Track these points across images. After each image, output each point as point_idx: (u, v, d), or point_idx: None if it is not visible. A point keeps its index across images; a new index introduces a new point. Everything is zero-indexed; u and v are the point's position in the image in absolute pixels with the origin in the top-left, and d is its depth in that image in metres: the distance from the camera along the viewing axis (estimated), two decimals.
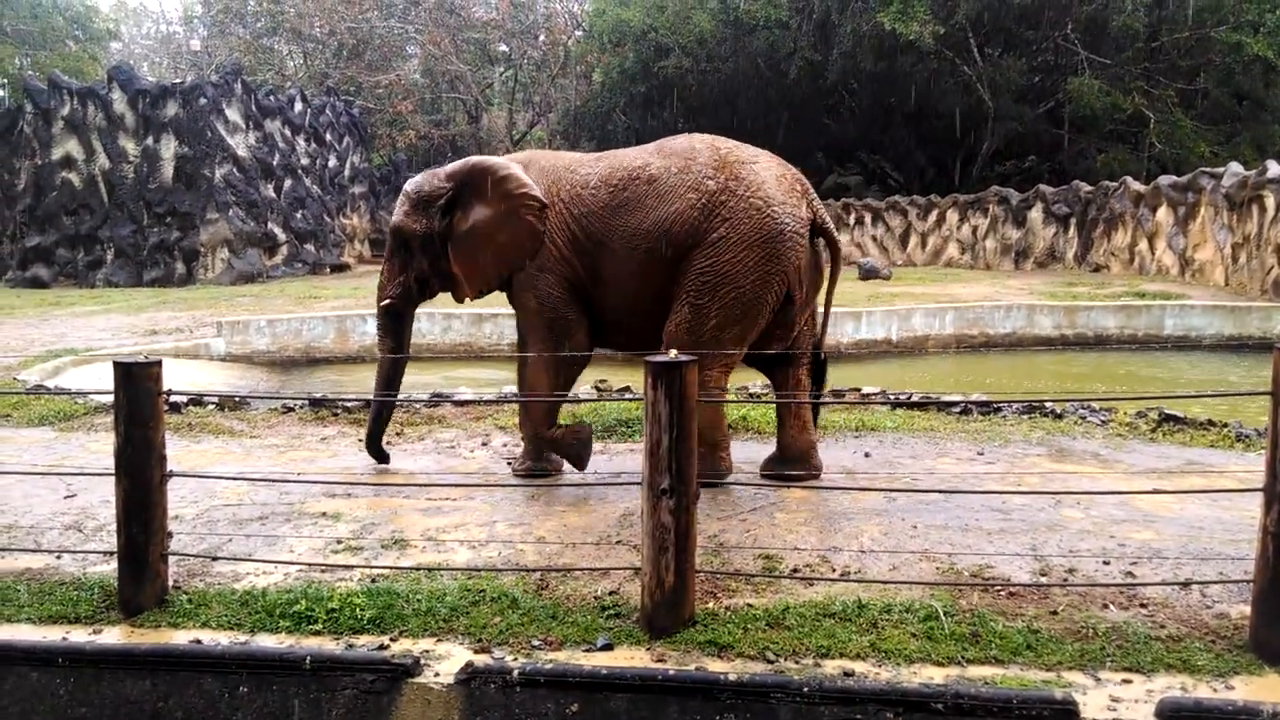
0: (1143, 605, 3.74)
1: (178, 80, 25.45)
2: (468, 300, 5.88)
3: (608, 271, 5.36)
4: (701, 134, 5.63)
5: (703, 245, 5.13)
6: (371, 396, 6.11)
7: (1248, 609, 3.52)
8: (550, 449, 5.65)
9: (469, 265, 5.66)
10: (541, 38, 37.19)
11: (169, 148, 23.02)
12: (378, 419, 6.04)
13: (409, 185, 5.89)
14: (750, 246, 5.09)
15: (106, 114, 23.05)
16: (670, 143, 5.55)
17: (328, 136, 28.48)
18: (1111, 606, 3.73)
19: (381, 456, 6.05)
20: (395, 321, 6.01)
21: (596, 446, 6.52)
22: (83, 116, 23.15)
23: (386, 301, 5.96)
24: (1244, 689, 3.15)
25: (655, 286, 5.26)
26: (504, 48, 38.23)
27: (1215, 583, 3.89)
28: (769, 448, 6.43)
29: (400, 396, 6.66)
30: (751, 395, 8.11)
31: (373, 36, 36.41)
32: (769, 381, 5.99)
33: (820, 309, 5.66)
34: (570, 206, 5.43)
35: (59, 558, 4.41)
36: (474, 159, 5.82)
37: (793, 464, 5.49)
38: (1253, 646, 3.37)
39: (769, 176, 5.24)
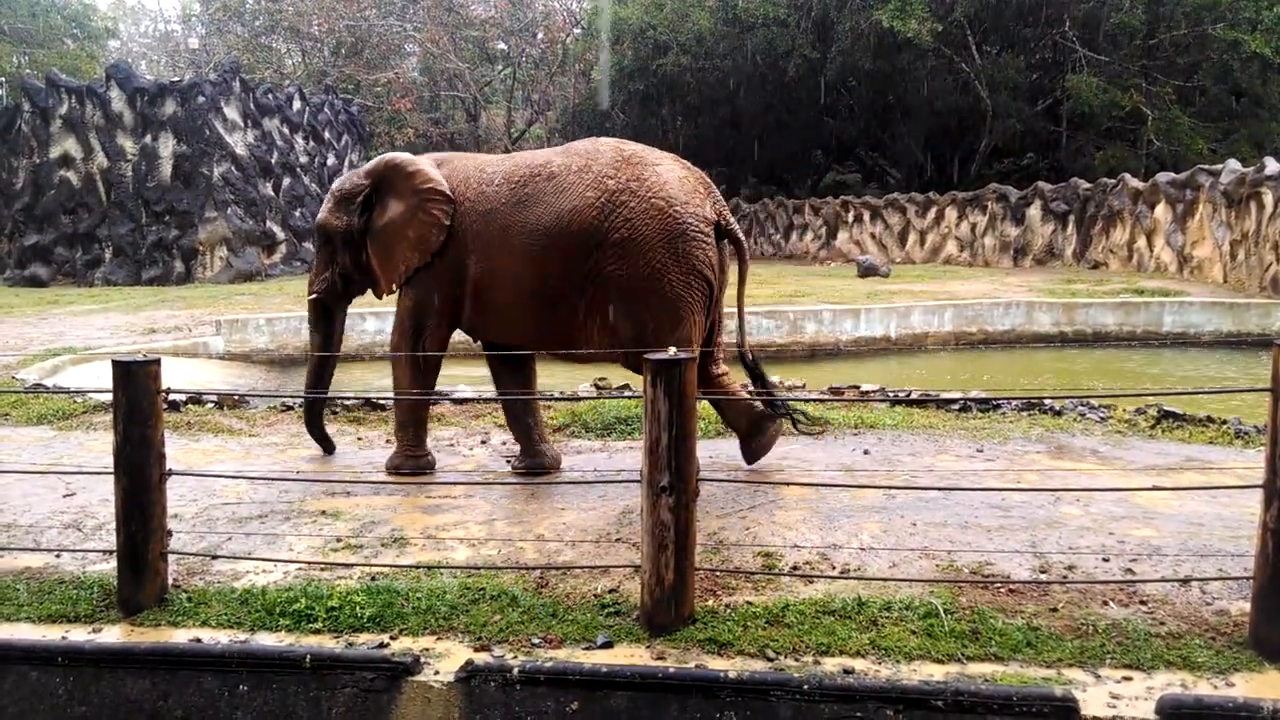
0: (1143, 602, 3.74)
1: (176, 78, 25.41)
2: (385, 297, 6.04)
3: (508, 268, 5.37)
4: (609, 138, 5.69)
5: (606, 246, 5.13)
6: (374, 396, 6.19)
7: (1248, 606, 3.52)
8: (399, 451, 5.79)
9: (384, 260, 5.78)
10: (540, 36, 37.18)
11: (167, 146, 23.00)
12: (313, 413, 6.32)
13: (334, 184, 6.06)
14: (656, 248, 5.09)
15: (105, 112, 23.03)
16: (576, 144, 5.62)
17: (326, 135, 28.46)
18: (1111, 603, 3.73)
19: (327, 444, 6.33)
20: (324, 316, 6.19)
21: (596, 444, 6.53)
22: (81, 115, 23.14)
23: (313, 296, 6.14)
24: (1244, 686, 3.15)
25: (554, 282, 5.27)
26: (502, 46, 38.23)
27: (1215, 579, 3.89)
28: (779, 447, 6.43)
29: (400, 394, 6.67)
30: (750, 393, 8.11)
31: (371, 34, 36.41)
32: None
33: (742, 309, 5.71)
34: (476, 204, 5.50)
35: (58, 556, 4.41)
36: (388, 156, 5.96)
37: (753, 450, 5.71)
38: (1253, 643, 3.37)
39: (671, 177, 5.24)
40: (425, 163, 5.71)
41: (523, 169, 5.43)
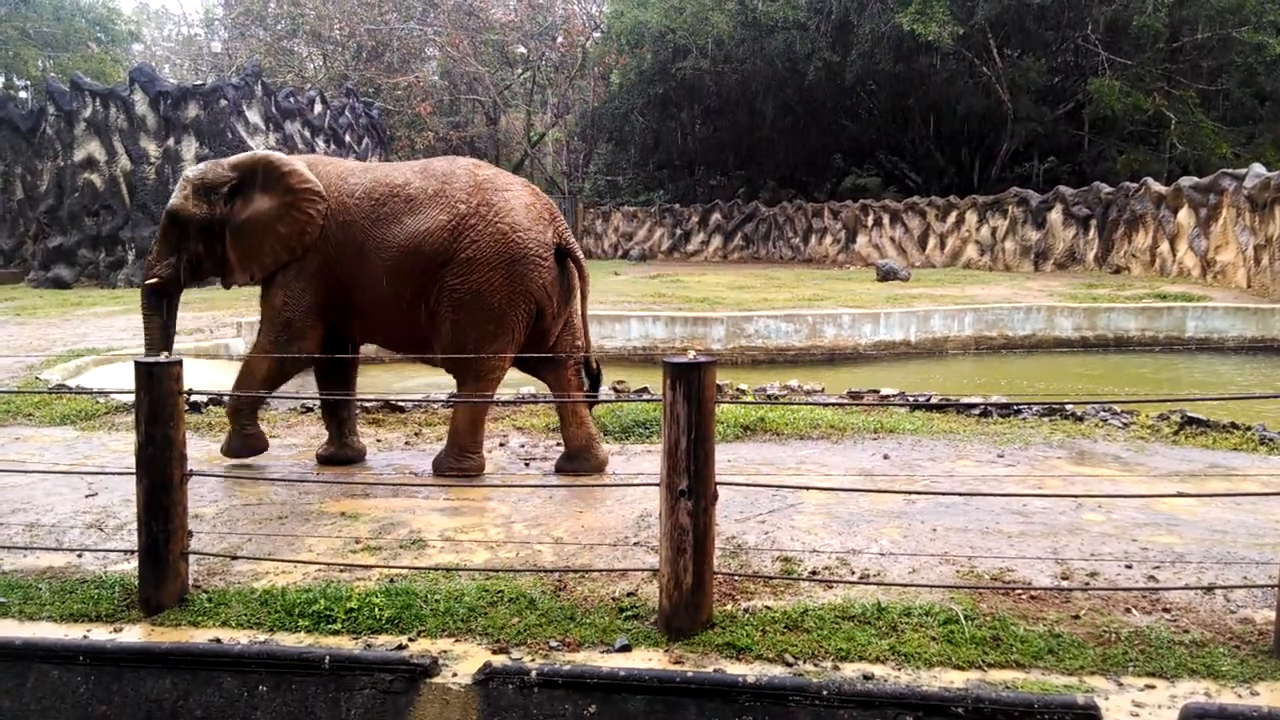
0: (1166, 610, 3.70)
1: (198, 82, 25.62)
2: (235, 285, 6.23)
3: (365, 277, 5.70)
4: (467, 159, 6.03)
5: (453, 264, 5.53)
6: (390, 398, 6.21)
7: (1272, 614, 3.48)
8: (234, 433, 6.09)
9: (245, 252, 5.97)
10: (559, 39, 37.25)
11: (190, 149, 23.17)
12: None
13: (190, 171, 6.19)
14: (495, 268, 5.51)
15: (128, 115, 23.23)
16: (434, 164, 5.93)
17: (347, 138, 28.61)
18: (1134, 611, 3.69)
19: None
20: (161, 301, 6.25)
21: (614, 447, 6.53)
22: (104, 118, 23.34)
23: (154, 280, 6.18)
24: (1269, 694, 3.12)
25: (407, 294, 5.64)
26: (522, 49, 38.33)
27: (1239, 587, 3.85)
28: (786, 449, 6.41)
29: (418, 398, 6.83)
30: (770, 397, 8.10)
31: (392, 39, 36.59)
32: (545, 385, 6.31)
33: (585, 323, 6.06)
34: (337, 213, 5.78)
35: (80, 556, 4.44)
36: (261, 152, 6.22)
37: (576, 458, 5.85)
38: (1277, 651, 3.33)
39: (518, 204, 5.66)
40: (300, 163, 5.94)
41: (383, 186, 5.76)
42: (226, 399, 6.26)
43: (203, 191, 6.01)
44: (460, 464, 5.69)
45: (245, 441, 6.10)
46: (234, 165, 6.10)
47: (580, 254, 5.90)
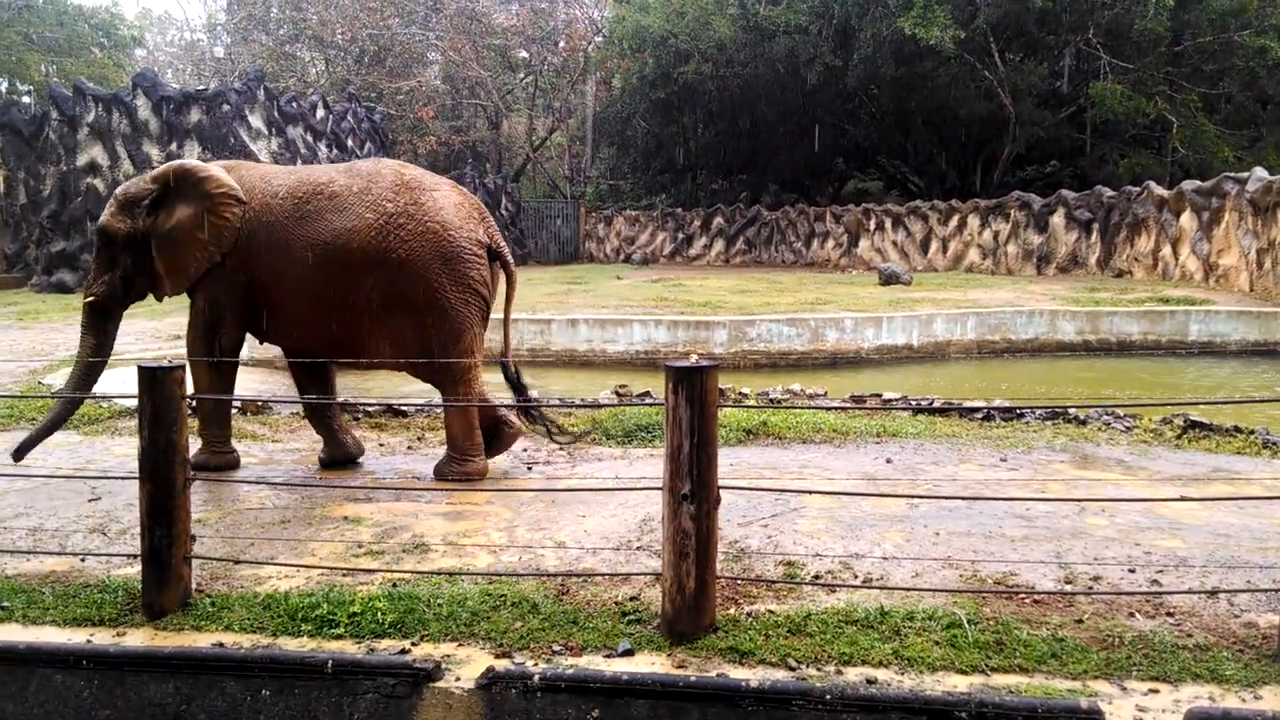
0: (1169, 614, 3.70)
1: (201, 87, 25.67)
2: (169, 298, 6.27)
3: (289, 278, 5.67)
4: (393, 160, 6.08)
5: (384, 265, 5.50)
6: (393, 402, 6.23)
7: (1276, 618, 3.48)
8: (204, 445, 6.00)
9: (170, 262, 5.93)
10: (561, 44, 37.29)
11: (192, 154, 23.19)
12: (56, 422, 6.19)
13: (118, 189, 6.23)
14: (433, 268, 5.52)
15: (131, 120, 23.28)
16: (359, 164, 5.93)
17: (349, 142, 28.66)
18: (1138, 615, 3.69)
19: (22, 455, 5.98)
20: (100, 319, 6.21)
21: (617, 451, 6.53)
22: (107, 123, 23.39)
23: (90, 299, 6.18)
24: (1273, 699, 3.11)
25: (334, 295, 5.60)
26: (524, 54, 38.35)
27: (1243, 591, 3.85)
28: (789, 453, 6.41)
29: (420, 402, 6.89)
30: (772, 401, 8.10)
31: (394, 43, 36.63)
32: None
33: (508, 325, 6.20)
34: (261, 214, 5.75)
35: (83, 560, 4.45)
36: (178, 162, 6.20)
37: (491, 449, 6.00)
38: None
39: (447, 203, 5.67)
40: (216, 169, 5.94)
41: (306, 185, 5.74)
42: (200, 412, 6.16)
43: (127, 206, 6.02)
44: (463, 468, 5.71)
45: (218, 460, 6.01)
46: (154, 177, 6.08)
47: (509, 256, 5.95)
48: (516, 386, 6.12)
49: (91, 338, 6.17)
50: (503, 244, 5.89)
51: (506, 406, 6.17)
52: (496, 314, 6.03)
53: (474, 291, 5.64)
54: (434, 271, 5.51)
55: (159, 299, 6.29)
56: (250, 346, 13.22)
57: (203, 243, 5.77)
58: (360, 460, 6.27)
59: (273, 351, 13.43)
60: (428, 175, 5.87)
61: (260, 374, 12.61)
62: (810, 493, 5.29)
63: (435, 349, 5.57)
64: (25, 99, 35.24)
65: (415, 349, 5.60)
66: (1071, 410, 7.39)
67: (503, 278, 5.99)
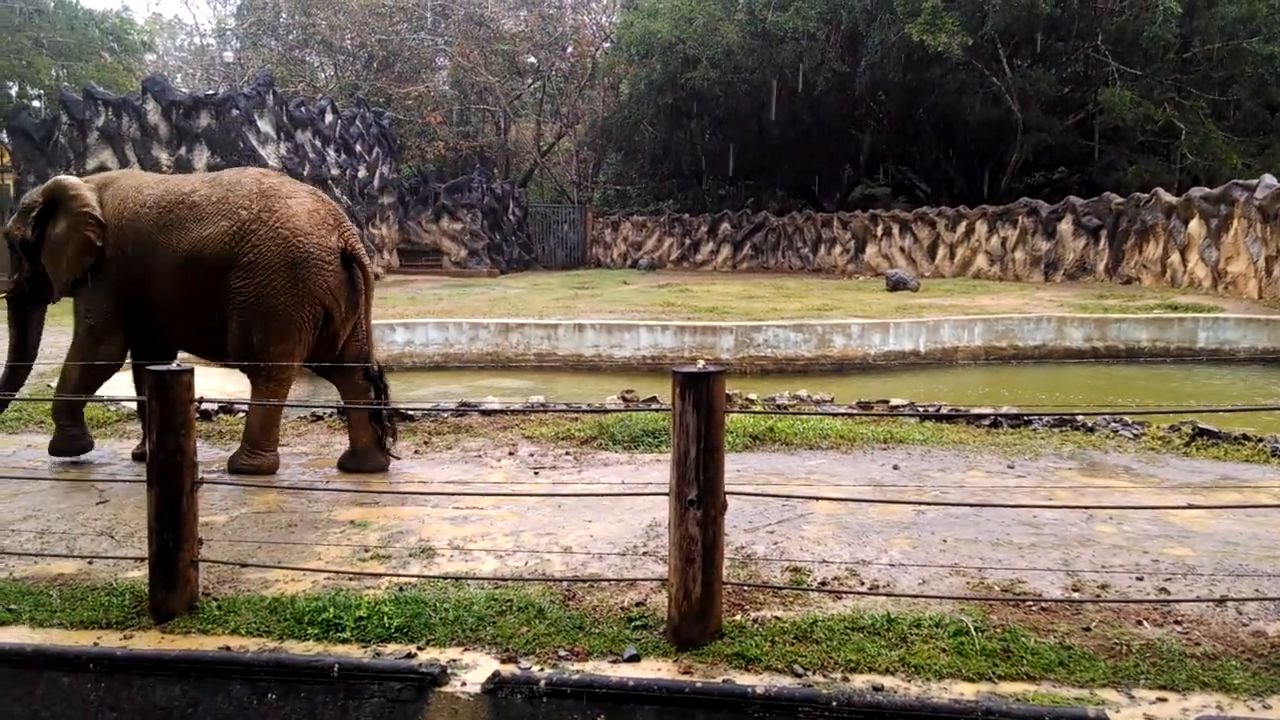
0: (1177, 622, 3.68)
1: (210, 91, 25.72)
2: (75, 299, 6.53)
3: (158, 283, 6.03)
4: (257, 169, 6.44)
5: (237, 268, 5.81)
6: (400, 406, 6.27)
7: None
8: (57, 432, 6.41)
9: (53, 269, 6.38)
10: (570, 49, 37.36)
11: (201, 158, 23.27)
12: None
13: (22, 198, 6.71)
14: (277, 271, 5.79)
15: (140, 125, 23.35)
16: (224, 174, 6.29)
17: (357, 147, 28.70)
18: (1145, 623, 3.68)
19: None
20: (17, 315, 6.79)
21: (623, 457, 6.53)
22: (117, 127, 23.47)
23: (6, 295, 6.77)
24: None
25: (197, 299, 5.95)
26: (532, 59, 38.42)
27: (1252, 599, 3.83)
28: (795, 459, 6.41)
29: (427, 406, 6.91)
30: (779, 406, 8.09)
31: (403, 49, 36.72)
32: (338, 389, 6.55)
33: (369, 328, 6.39)
34: (131, 223, 6.12)
35: (91, 563, 4.46)
36: (59, 178, 6.58)
37: (359, 456, 6.14)
38: None
39: (300, 210, 5.94)
40: (86, 188, 6.30)
41: (171, 195, 6.08)
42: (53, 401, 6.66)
43: (23, 215, 6.50)
44: (253, 460, 5.95)
45: (68, 441, 6.42)
46: (42, 191, 6.48)
47: (366, 261, 6.19)
48: (378, 389, 6.24)
49: (13, 330, 6.78)
50: (359, 248, 6.15)
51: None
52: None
53: (313, 298, 5.87)
54: (278, 274, 5.79)
55: (54, 300, 6.74)
56: None
57: (69, 256, 6.18)
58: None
59: None
60: (287, 183, 6.18)
61: None
62: (817, 499, 5.28)
63: (255, 347, 5.83)
64: (35, 103, 35.38)
65: (236, 345, 5.91)
66: (1079, 417, 7.37)
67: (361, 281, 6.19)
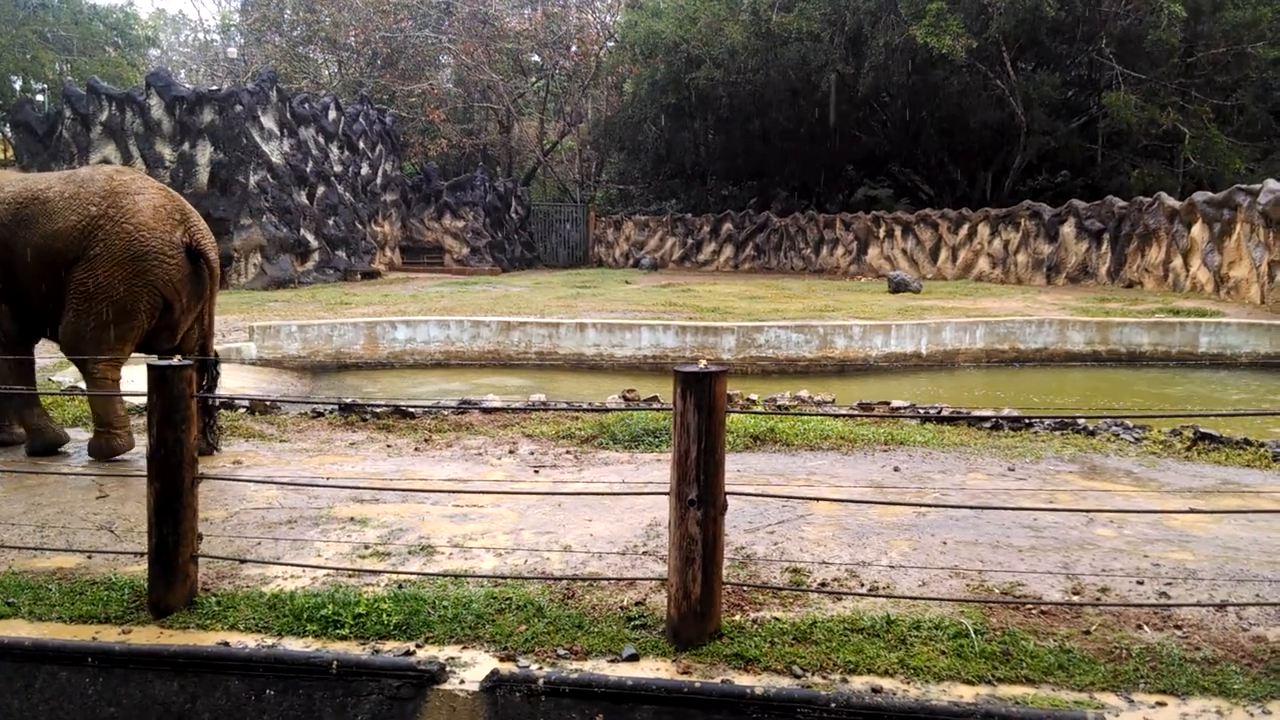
0: (1177, 627, 3.68)
1: (214, 87, 25.73)
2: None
3: (19, 277, 6.27)
4: (112, 166, 6.62)
5: (83, 260, 6.07)
6: (400, 403, 6.26)
7: None
8: (27, 433, 6.57)
9: None
10: (573, 48, 37.37)
11: (205, 154, 23.28)
12: None
13: None
14: (120, 263, 6.06)
15: (144, 120, 23.36)
16: (79, 172, 6.50)
17: (361, 144, 28.71)
18: (1145, 627, 3.67)
19: None
20: None
21: (623, 456, 6.52)
22: (121, 122, 23.47)
23: None
24: None
25: (53, 291, 6.19)
26: (536, 58, 38.46)
27: (1252, 605, 3.83)
28: (796, 460, 6.40)
29: (428, 404, 6.87)
30: (780, 407, 8.09)
31: (406, 46, 36.75)
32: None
33: (211, 320, 6.66)
34: None
35: (90, 558, 4.45)
36: None
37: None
38: None
39: (146, 205, 6.21)
40: None
41: (28, 193, 6.28)
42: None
43: None
44: (112, 441, 6.26)
45: (38, 435, 6.52)
46: None
47: (212, 255, 6.46)
48: (209, 377, 6.42)
49: None
50: (204, 243, 6.40)
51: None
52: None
53: (151, 288, 6.14)
54: (121, 266, 6.04)
55: None
56: (259, 347, 13.27)
57: None
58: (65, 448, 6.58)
59: (281, 351, 13.51)
60: (137, 180, 6.39)
61: (269, 374, 12.64)
62: (817, 499, 5.28)
63: (86, 333, 6.10)
64: (39, 97, 35.44)
65: (69, 331, 6.16)
66: (1080, 420, 7.37)
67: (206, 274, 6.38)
